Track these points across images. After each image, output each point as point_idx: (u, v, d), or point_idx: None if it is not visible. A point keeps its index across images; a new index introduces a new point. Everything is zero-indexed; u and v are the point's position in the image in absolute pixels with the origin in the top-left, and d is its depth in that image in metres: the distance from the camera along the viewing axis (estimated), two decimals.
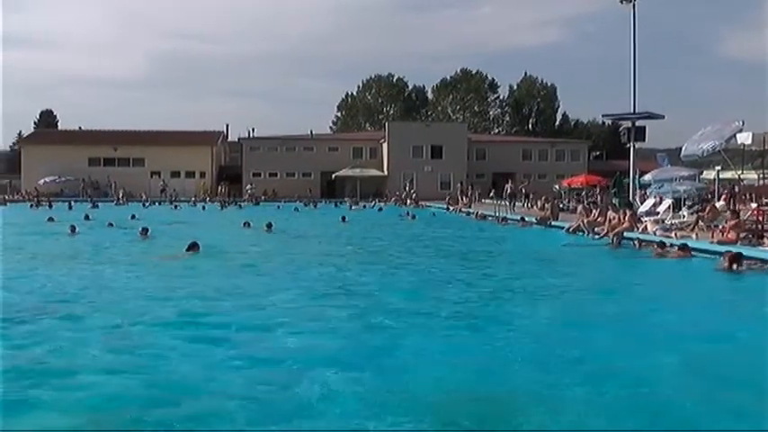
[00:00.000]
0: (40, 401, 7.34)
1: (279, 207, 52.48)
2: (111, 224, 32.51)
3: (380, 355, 9.28)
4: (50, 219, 36.12)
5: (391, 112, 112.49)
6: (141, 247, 24.14)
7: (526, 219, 33.60)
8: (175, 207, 54.53)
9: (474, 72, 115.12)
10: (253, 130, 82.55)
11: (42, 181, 70.59)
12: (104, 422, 6.91)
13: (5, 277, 16.18)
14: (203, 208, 53.95)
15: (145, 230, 27.19)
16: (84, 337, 10.16)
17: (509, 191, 46.58)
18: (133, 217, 35.49)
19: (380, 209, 51.66)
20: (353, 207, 52.48)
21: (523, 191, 50.50)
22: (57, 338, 10.05)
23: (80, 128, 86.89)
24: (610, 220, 25.28)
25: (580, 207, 31.59)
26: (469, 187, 59.82)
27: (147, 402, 7.32)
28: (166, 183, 71.52)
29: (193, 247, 20.82)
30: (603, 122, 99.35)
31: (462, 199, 53.93)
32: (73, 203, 53.20)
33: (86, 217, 34.47)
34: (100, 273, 17.23)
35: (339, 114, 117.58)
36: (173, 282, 15.84)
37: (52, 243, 25.57)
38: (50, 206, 51.24)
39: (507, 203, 43.30)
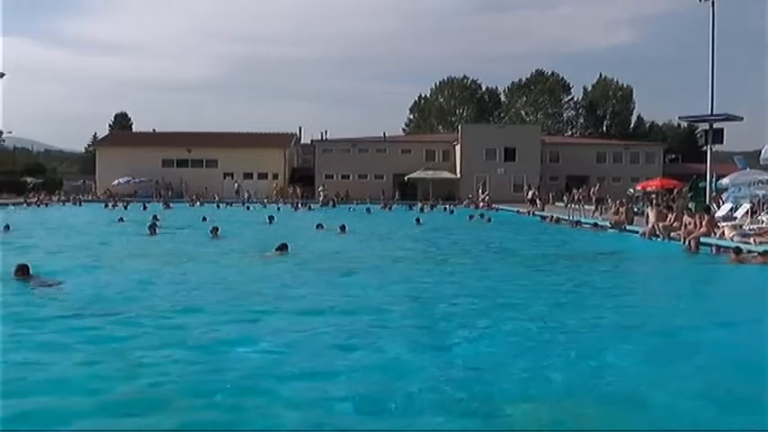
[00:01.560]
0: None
1: (352, 209, 52.80)
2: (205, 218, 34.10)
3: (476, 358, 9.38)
4: (120, 219, 37.04)
5: (464, 114, 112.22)
6: (221, 247, 24.49)
7: (599, 223, 33.26)
8: (248, 208, 55.18)
9: (549, 73, 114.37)
10: (325, 132, 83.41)
11: (116, 182, 72.50)
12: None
13: (93, 274, 16.85)
14: (278, 209, 54.46)
15: (215, 230, 27.67)
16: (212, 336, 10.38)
17: (581, 195, 46.08)
18: (204, 219, 35.82)
19: (452, 211, 51.69)
20: (426, 209, 52.41)
21: (595, 195, 50.00)
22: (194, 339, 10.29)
23: (154, 130, 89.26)
24: (686, 225, 24.88)
25: (649, 210, 31.16)
26: (538, 190, 59.33)
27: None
28: (240, 184, 72.51)
29: (283, 247, 21.09)
30: (679, 124, 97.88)
31: (536, 202, 53.54)
32: (147, 204, 54.21)
33: (155, 218, 34.96)
34: (199, 271, 17.85)
35: (412, 116, 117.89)
36: (274, 280, 16.26)
37: (139, 243, 25.99)
38: (126, 207, 52.43)
39: (579, 207, 42.81)
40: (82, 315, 11.75)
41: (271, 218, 36.42)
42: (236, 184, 72.51)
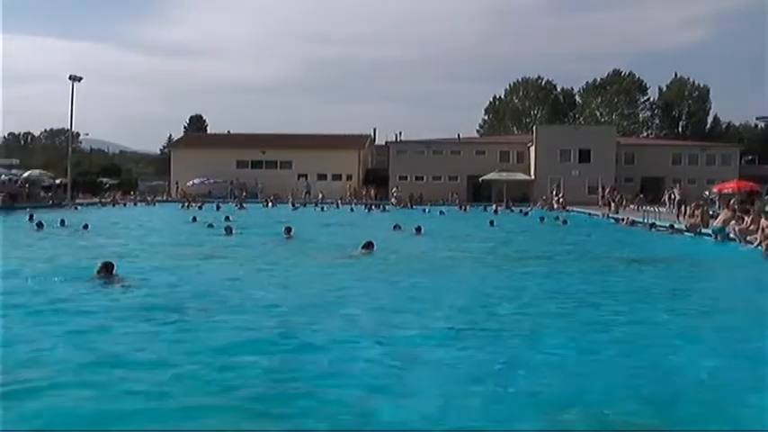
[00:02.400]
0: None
1: (427, 211, 53.04)
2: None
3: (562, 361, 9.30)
4: (193, 219, 37.67)
5: (539, 115, 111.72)
6: (298, 247, 24.81)
7: (675, 226, 33.08)
8: (322, 209, 55.93)
9: (625, 73, 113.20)
10: (400, 133, 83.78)
11: (191, 183, 74.02)
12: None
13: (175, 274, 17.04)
14: (351, 210, 55.10)
15: (288, 230, 27.86)
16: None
17: (676, 197, 45.72)
18: (276, 221, 35.77)
19: (526, 213, 51.74)
20: (500, 211, 52.49)
21: (673, 197, 49.48)
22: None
23: (229, 132, 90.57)
24: (763, 229, 24.65)
25: (723, 213, 30.90)
26: (614, 192, 58.87)
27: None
28: (310, 185, 73.40)
29: (368, 246, 21.37)
30: (756, 125, 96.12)
31: (610, 204, 53.25)
32: (221, 205, 55.28)
33: (227, 218, 35.71)
34: (289, 270, 18.09)
35: (486, 117, 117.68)
36: (363, 278, 16.67)
37: (217, 243, 26.17)
38: (201, 207, 53.67)
39: (654, 209, 42.52)
40: (170, 312, 12.00)
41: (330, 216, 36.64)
42: (305, 185, 73.43)
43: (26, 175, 63.43)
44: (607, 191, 59.20)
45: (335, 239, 27.80)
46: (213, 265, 19.25)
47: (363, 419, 7.03)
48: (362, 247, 21.31)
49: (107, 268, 15.22)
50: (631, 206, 49.99)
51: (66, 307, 12.38)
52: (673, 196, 46.39)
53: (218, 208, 51.31)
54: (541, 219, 42.71)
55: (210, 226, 33.07)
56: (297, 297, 13.99)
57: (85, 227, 31.29)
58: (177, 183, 74.93)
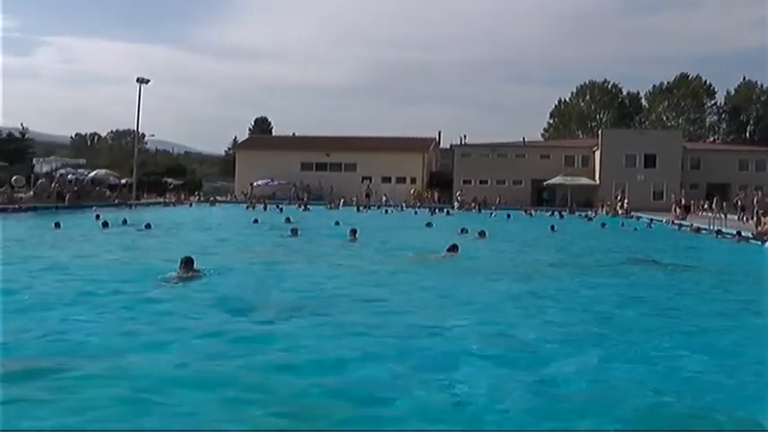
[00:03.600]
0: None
1: (493, 214, 53.04)
2: (338, 222, 34.64)
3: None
4: (255, 221, 37.57)
5: (604, 119, 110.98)
6: (372, 248, 24.90)
7: (742, 233, 32.87)
8: (386, 212, 56.55)
9: (692, 77, 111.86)
10: (464, 136, 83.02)
11: (256, 184, 74.69)
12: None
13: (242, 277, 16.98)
14: (415, 213, 55.48)
15: (353, 232, 27.91)
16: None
17: (740, 203, 45.44)
18: (337, 223, 35.75)
19: (590, 218, 51.66)
20: (564, 215, 52.46)
21: (739, 203, 49.04)
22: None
23: (293, 134, 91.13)
24: None
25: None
26: (682, 197, 58.30)
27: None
28: (371, 188, 73.90)
29: (453, 248, 21.49)
30: None
31: (676, 210, 52.87)
32: (285, 207, 56.03)
33: (287, 220, 36.01)
34: (369, 271, 18.29)
35: (551, 121, 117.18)
36: (449, 281, 16.70)
37: (284, 244, 26.42)
38: (265, 208, 54.60)
39: (721, 216, 42.21)
40: (251, 312, 12.13)
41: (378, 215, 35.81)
42: (366, 188, 73.91)
43: (92, 174, 65.29)
44: (681, 196, 58.58)
45: (407, 242, 28.02)
46: (289, 265, 19.47)
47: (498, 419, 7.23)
48: (447, 250, 21.47)
49: (187, 263, 15.46)
50: (708, 213, 49.40)
51: (152, 302, 12.77)
52: (739, 203, 46.05)
53: (280, 210, 51.92)
54: (603, 225, 42.56)
55: (288, 220, 34.23)
56: (405, 299, 14.07)
57: (148, 226, 31.96)
58: (251, 184, 75.90)
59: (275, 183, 75.76)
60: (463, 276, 17.66)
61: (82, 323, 10.91)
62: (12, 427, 6.49)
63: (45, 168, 62.56)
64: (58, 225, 30.61)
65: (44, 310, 11.82)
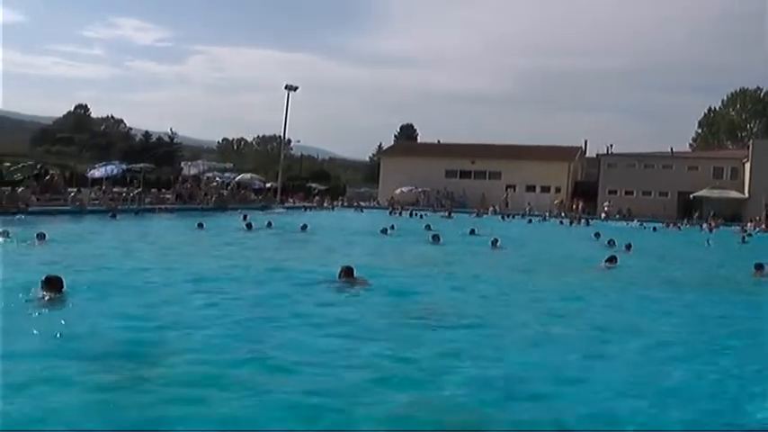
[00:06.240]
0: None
1: (642, 226, 52.50)
2: (473, 231, 35.25)
3: None
4: (391, 227, 36.75)
5: (755, 129, 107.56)
6: (517, 257, 25.73)
7: None
8: (530, 221, 56.98)
9: None
10: (611, 145, 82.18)
11: (399, 190, 75.98)
12: None
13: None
14: (560, 222, 55.90)
15: (495, 241, 28.67)
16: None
17: None
18: (472, 232, 35.72)
19: (749, 233, 49.86)
20: (714, 229, 51.43)
21: None
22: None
23: (438, 141, 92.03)
24: None
25: None
26: None
27: None
28: (509, 197, 74.35)
29: (612, 260, 22.28)
30: None
31: None
32: (429, 213, 57.15)
33: (427, 227, 36.72)
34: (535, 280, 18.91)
35: (699, 131, 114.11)
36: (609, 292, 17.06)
37: (425, 251, 26.97)
38: (411, 215, 55.68)
39: None
40: (427, 318, 12.50)
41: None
42: (505, 196, 74.26)
43: (238, 178, 68.22)
44: None
45: (558, 251, 28.80)
46: (439, 272, 19.87)
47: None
48: (606, 261, 22.17)
49: (347, 272, 15.74)
50: None
51: (316, 306, 13.37)
52: None
53: (420, 216, 52.97)
54: (743, 239, 41.54)
55: (428, 227, 35.28)
56: (587, 309, 14.58)
57: (304, 227, 34.04)
58: (377, 190, 76.82)
59: (419, 190, 76.94)
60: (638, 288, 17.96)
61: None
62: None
63: (193, 171, 65.62)
64: (201, 226, 32.37)
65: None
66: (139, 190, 50.86)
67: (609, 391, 8.58)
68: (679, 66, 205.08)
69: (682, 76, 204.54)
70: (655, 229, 50.41)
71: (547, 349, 10.74)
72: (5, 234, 23.41)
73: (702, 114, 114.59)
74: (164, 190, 55.68)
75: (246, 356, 9.37)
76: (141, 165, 60.18)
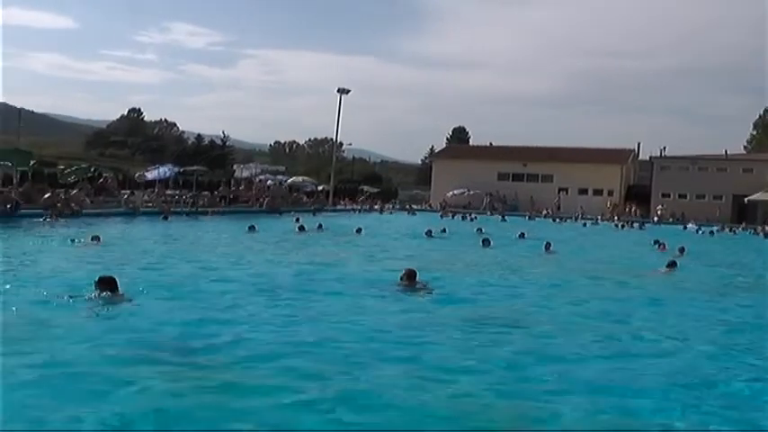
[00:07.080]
0: None
1: (700, 231, 51.94)
2: (522, 234, 35.30)
3: None
4: (435, 231, 36.31)
5: None
6: (567, 261, 25.70)
7: None
8: (584, 225, 56.89)
9: None
10: (664, 148, 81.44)
11: (451, 193, 76.31)
12: None
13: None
14: (615, 226, 55.57)
15: (548, 245, 28.79)
16: None
17: None
18: (522, 235, 35.52)
19: None
20: None
21: None
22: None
23: (490, 144, 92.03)
24: None
25: None
26: None
27: None
28: (560, 200, 74.32)
29: (672, 265, 22.35)
30: None
31: None
32: (483, 216, 57.45)
33: (479, 230, 37.14)
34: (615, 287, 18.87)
35: (754, 133, 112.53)
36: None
37: (479, 255, 26.84)
38: (463, 218, 55.62)
39: None
40: (484, 322, 12.53)
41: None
42: (556, 199, 74.33)
43: (290, 180, 68.86)
44: None
45: (614, 255, 29.07)
46: (496, 277, 19.79)
47: None
48: (667, 266, 22.29)
49: (410, 276, 15.66)
50: None
51: (375, 310, 13.42)
52: None
53: (471, 219, 53.33)
54: None
55: (480, 231, 35.44)
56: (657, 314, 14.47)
57: (358, 230, 34.39)
58: (429, 193, 76.69)
59: (470, 192, 76.97)
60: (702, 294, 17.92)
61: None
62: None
63: (245, 174, 66.41)
64: (252, 228, 32.66)
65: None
66: (193, 193, 51.52)
67: (688, 399, 8.44)
68: (734, 67, 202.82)
69: (737, 78, 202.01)
70: (712, 233, 49.92)
71: (617, 357, 10.59)
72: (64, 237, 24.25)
73: (757, 116, 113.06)
74: (215, 192, 56.02)
75: (306, 363, 9.24)
76: (194, 167, 61.16)
